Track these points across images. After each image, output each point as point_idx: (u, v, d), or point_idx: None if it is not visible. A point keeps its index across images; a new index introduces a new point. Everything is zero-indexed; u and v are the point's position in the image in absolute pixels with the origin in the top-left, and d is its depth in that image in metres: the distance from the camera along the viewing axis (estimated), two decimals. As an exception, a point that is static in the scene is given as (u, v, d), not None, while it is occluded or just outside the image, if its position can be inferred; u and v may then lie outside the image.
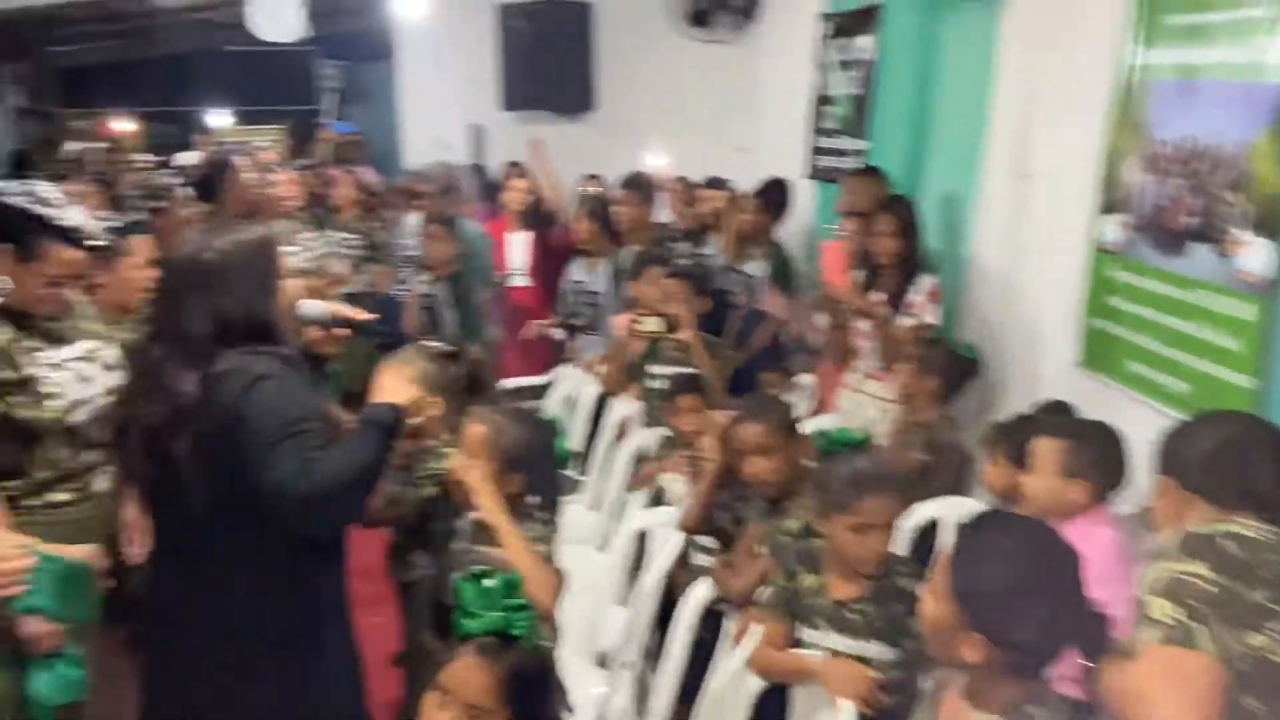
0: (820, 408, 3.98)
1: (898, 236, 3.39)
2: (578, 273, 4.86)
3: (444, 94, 6.93)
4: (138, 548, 2.17)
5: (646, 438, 3.68)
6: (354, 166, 6.32)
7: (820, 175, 5.13)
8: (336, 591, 2.03)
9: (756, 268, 4.63)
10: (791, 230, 5.01)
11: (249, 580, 1.89)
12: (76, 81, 8.60)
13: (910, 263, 3.41)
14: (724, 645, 2.51)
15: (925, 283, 3.40)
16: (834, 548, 2.12)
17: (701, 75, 6.21)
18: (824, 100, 5.08)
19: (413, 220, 5.53)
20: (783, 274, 4.63)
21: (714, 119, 6.11)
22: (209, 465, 1.80)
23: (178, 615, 1.95)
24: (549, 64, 6.35)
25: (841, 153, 4.86)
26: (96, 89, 8.89)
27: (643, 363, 3.79)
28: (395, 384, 1.98)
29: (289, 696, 1.92)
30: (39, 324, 2.34)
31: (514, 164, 6.07)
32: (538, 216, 5.28)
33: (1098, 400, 2.92)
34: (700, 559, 2.81)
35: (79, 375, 2.36)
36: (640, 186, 4.58)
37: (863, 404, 3.53)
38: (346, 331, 2.08)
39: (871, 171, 3.96)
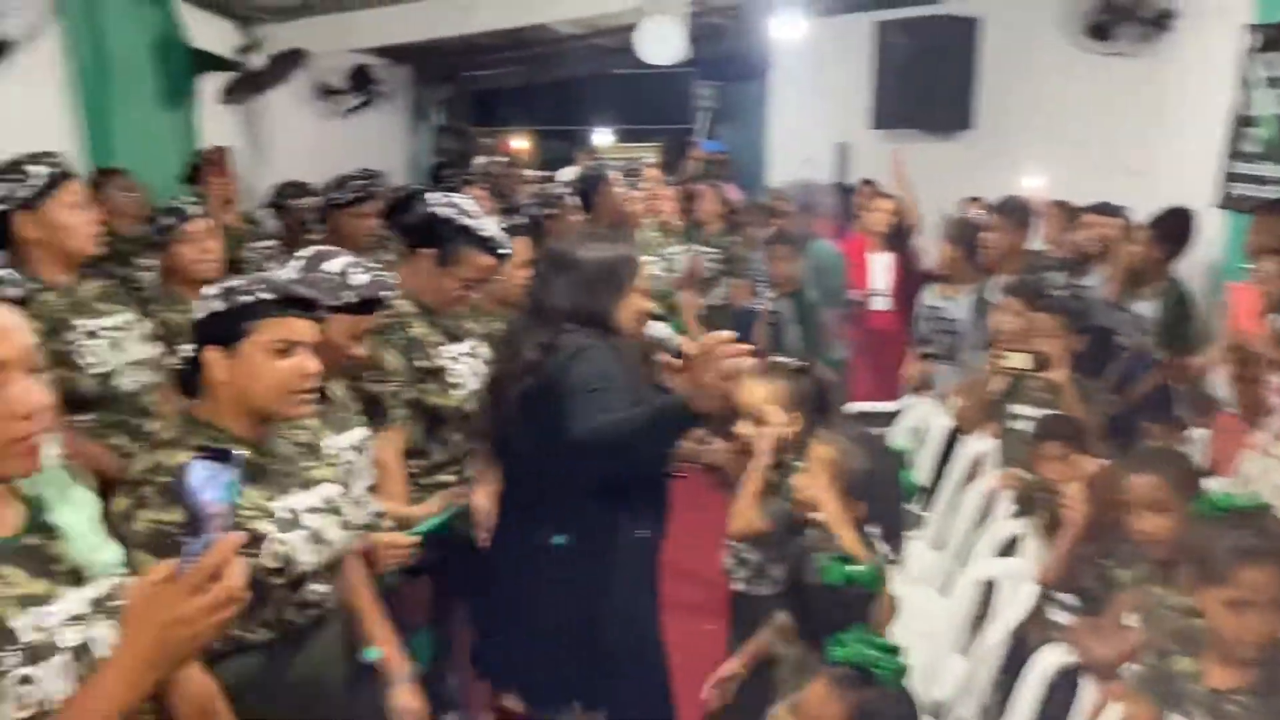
0: (1213, 469, 3.49)
1: (1332, 277, 2.89)
2: (934, 298, 4.65)
3: (813, 112, 6.95)
4: (484, 533, 2.35)
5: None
6: (719, 183, 6.48)
7: (1234, 205, 4.52)
8: (643, 590, 2.27)
9: (1147, 306, 4.17)
10: (1193, 266, 4.46)
11: (560, 547, 2.18)
12: (485, 103, 9.60)
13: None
14: (1075, 715, 2.26)
15: (1366, 335, 2.86)
16: (1211, 627, 1.83)
17: (1095, 91, 5.72)
18: (1245, 121, 4.48)
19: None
20: (1178, 315, 4.13)
21: (1104, 139, 5.60)
22: (533, 418, 2.11)
23: (502, 567, 2.29)
24: (925, 80, 6.16)
25: (1262, 180, 4.26)
26: (501, 110, 9.88)
27: (1004, 400, 3.53)
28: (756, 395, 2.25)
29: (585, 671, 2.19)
30: (440, 321, 2.60)
31: (867, 182, 5.96)
32: (900, 237, 5.13)
33: None
34: (1057, 616, 2.55)
35: (472, 369, 2.61)
36: (1014, 211, 4.29)
37: (1271, 469, 3.04)
38: (678, 363, 2.13)
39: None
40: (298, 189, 4.79)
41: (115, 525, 1.49)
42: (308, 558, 1.68)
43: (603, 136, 10.49)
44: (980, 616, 3.01)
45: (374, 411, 2.36)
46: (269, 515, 1.64)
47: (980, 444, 3.81)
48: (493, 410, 2.31)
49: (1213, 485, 2.92)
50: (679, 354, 2.18)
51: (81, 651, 1.22)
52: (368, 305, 2.07)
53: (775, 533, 2.50)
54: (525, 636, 2.25)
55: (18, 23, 4.04)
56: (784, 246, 4.41)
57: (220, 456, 1.14)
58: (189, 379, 1.70)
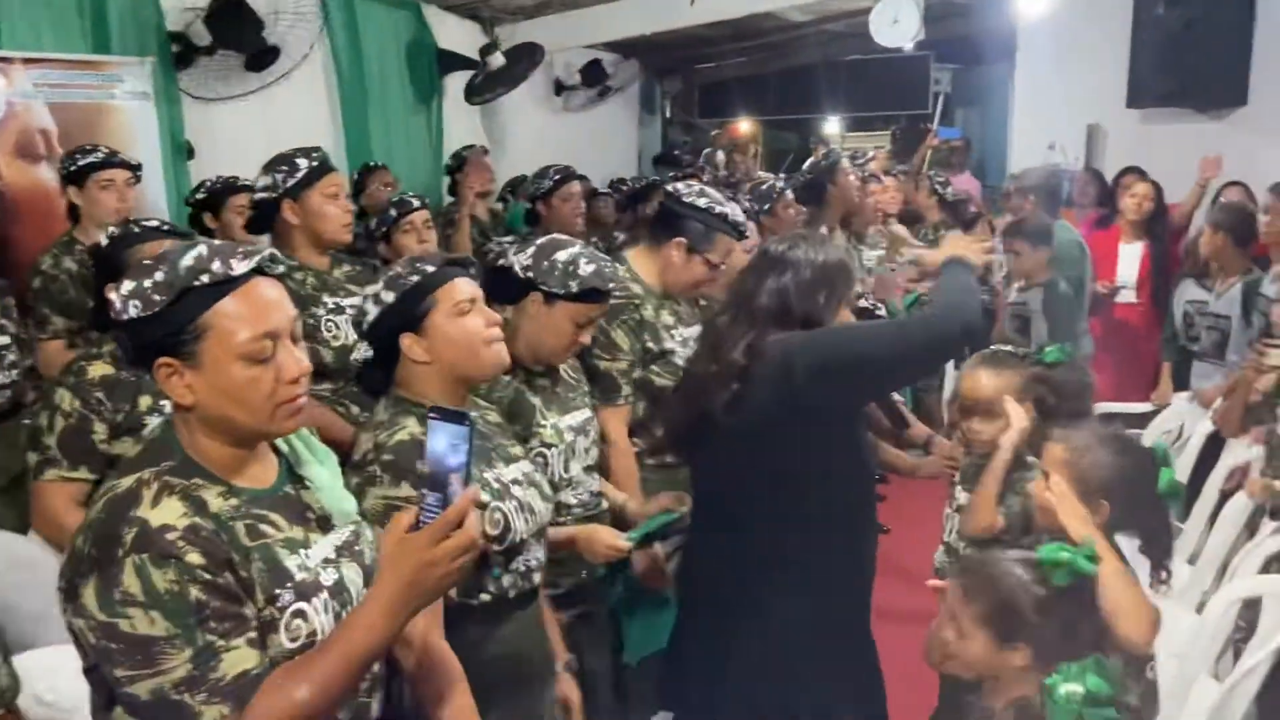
0: None
1: None
2: (1196, 292, 4.24)
3: (1062, 93, 6.48)
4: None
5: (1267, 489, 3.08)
6: (954, 172, 6.20)
7: None
8: (854, 589, 2.08)
9: None
10: None
11: (765, 555, 1.98)
12: (714, 94, 9.62)
13: None
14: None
15: None
16: None
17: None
18: None
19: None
20: None
21: None
22: (745, 426, 1.93)
23: (720, 599, 2.07)
24: (1193, 53, 5.60)
25: None
26: (729, 101, 9.87)
27: (1272, 401, 3.17)
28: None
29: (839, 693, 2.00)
30: (671, 304, 2.66)
31: (1129, 170, 5.51)
32: (1157, 226, 4.73)
33: None
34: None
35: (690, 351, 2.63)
36: (1295, 194, 3.83)
37: None
38: None
39: None
40: (536, 179, 4.97)
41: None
42: (521, 526, 1.75)
43: (832, 125, 10.30)
44: (1240, 640, 2.73)
45: (602, 388, 2.44)
46: (485, 485, 1.71)
47: (1244, 451, 3.45)
48: (686, 412, 2.10)
49: None
50: None
51: (337, 590, 1.36)
52: (594, 295, 2.11)
53: (1010, 532, 2.37)
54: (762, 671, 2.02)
55: (295, 34, 4.42)
56: (1020, 238, 4.14)
57: (455, 418, 1.26)
58: (373, 377, 1.80)
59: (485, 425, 1.84)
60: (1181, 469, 3.90)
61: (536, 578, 1.85)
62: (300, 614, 1.30)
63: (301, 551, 1.33)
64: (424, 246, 3.25)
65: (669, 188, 2.69)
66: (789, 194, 3.97)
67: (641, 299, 2.57)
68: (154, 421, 1.95)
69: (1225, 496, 3.32)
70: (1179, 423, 4.09)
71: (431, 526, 1.24)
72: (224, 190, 3.64)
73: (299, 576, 1.31)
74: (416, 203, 3.37)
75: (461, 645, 1.69)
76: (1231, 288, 3.99)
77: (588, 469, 2.27)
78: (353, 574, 1.40)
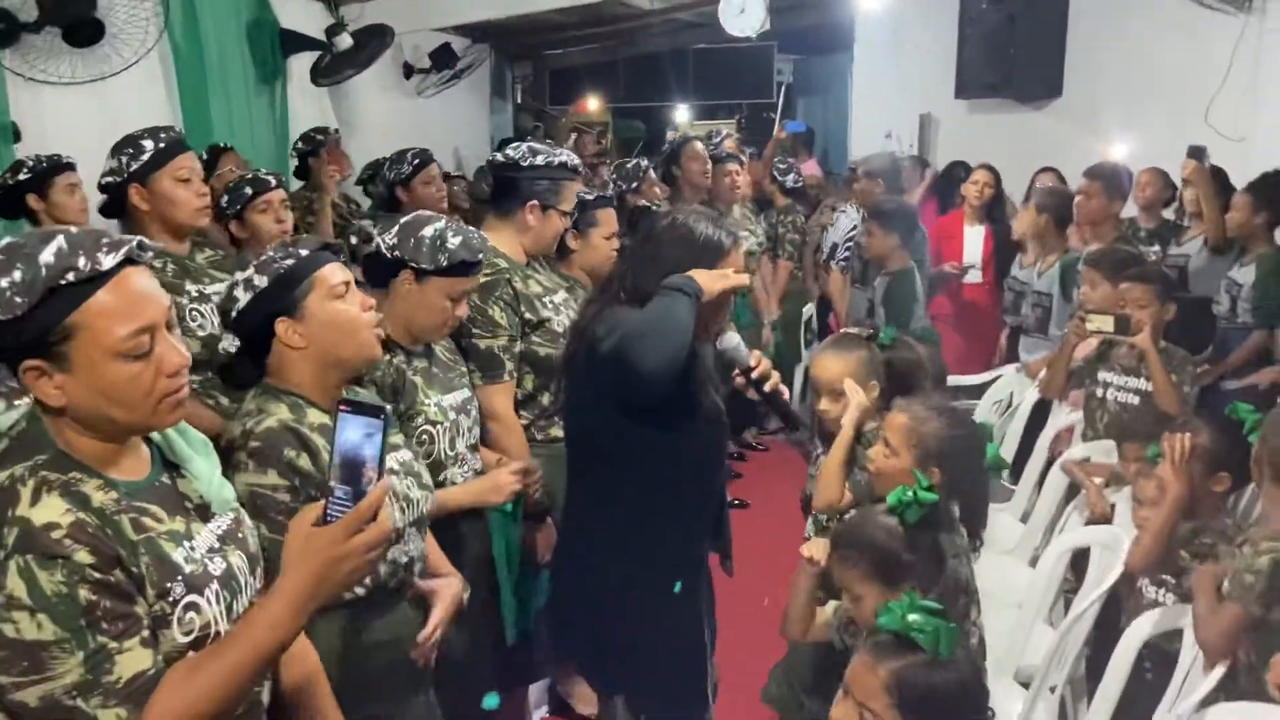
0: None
1: None
2: (1022, 270, 4.57)
3: (897, 84, 6.83)
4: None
5: (1088, 450, 3.37)
6: (799, 160, 6.44)
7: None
8: (674, 546, 2.08)
9: (1245, 274, 4.04)
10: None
11: (588, 512, 2.08)
12: (565, 81, 9.63)
13: None
14: (1172, 688, 2.23)
15: None
16: None
17: (1189, 54, 5.50)
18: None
19: (849, 213, 5.53)
20: (1276, 284, 3.98)
21: (1199, 104, 5.39)
22: (573, 387, 2.03)
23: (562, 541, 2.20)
24: (1013, 47, 5.99)
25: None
26: (579, 87, 9.89)
27: (1090, 368, 3.46)
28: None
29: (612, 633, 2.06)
30: (538, 274, 2.69)
31: (959, 164, 5.87)
32: (994, 210, 5.06)
33: None
34: (1150, 591, 2.51)
35: (569, 319, 2.67)
36: (1105, 177, 4.16)
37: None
38: (742, 381, 2.07)
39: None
40: (393, 163, 4.88)
41: None
42: (397, 516, 1.74)
43: (681, 114, 10.45)
44: (1070, 590, 2.98)
45: (485, 366, 2.45)
46: None
47: (1068, 415, 3.75)
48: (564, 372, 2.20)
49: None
50: (748, 370, 2.06)
51: (226, 579, 1.33)
52: (464, 267, 2.11)
53: (859, 505, 2.50)
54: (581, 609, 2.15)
55: (130, 17, 4.20)
56: (875, 222, 4.34)
57: (369, 410, 1.25)
58: (242, 368, 1.75)
59: None
60: (1012, 434, 4.21)
61: (417, 567, 1.85)
62: (193, 607, 1.27)
63: (185, 543, 1.29)
64: (281, 227, 3.16)
65: (499, 157, 2.68)
66: (654, 173, 4.05)
67: (510, 272, 2.58)
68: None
69: (1052, 461, 3.60)
70: (1009, 391, 4.40)
71: (345, 520, 1.23)
72: (51, 169, 3.42)
73: (188, 569, 1.27)
74: (273, 181, 3.26)
75: (340, 635, 1.70)
76: (1051, 267, 4.31)
77: (472, 447, 2.29)
78: (239, 561, 1.37)
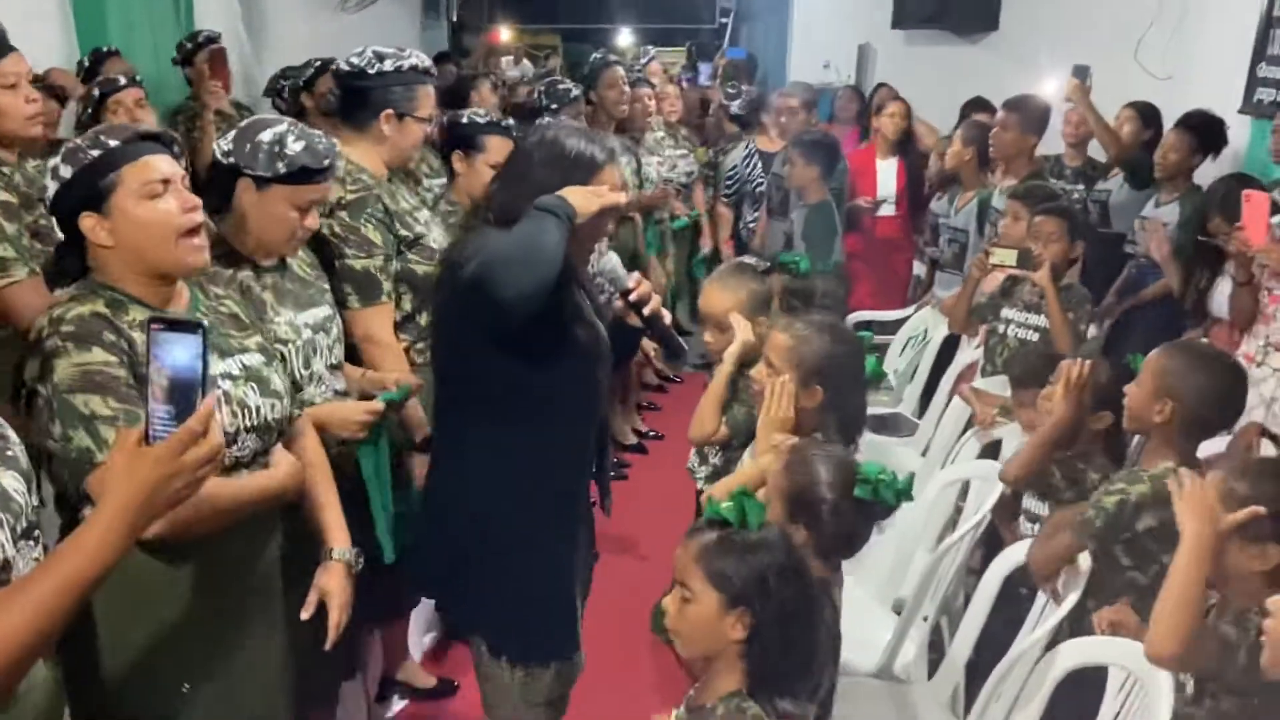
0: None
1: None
2: (940, 205, 4.54)
3: (835, 14, 6.73)
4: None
5: (986, 385, 3.38)
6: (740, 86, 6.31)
7: (1259, 111, 4.34)
8: (544, 480, 1.95)
9: (1167, 211, 4.04)
10: (1220, 173, 4.31)
11: (455, 449, 1.96)
12: (509, 3, 9.36)
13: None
14: (1029, 620, 2.26)
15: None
16: None
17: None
18: (1274, 22, 4.26)
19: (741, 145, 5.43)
20: (1193, 222, 3.99)
21: (1129, 42, 5.37)
22: (437, 320, 1.94)
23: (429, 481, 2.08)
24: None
25: (1288, 84, 4.07)
26: (523, 8, 9.64)
27: (996, 304, 3.46)
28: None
29: (478, 577, 1.95)
30: (407, 190, 2.61)
31: (884, 85, 5.78)
32: (908, 143, 5.00)
33: None
34: (1026, 527, 2.53)
35: (441, 237, 2.60)
36: (1024, 110, 4.12)
37: (1261, 380, 2.97)
38: (626, 311, 2.00)
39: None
40: (295, 73, 4.65)
41: (31, 392, 1.51)
42: (226, 419, 1.64)
43: (629, 39, 10.26)
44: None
45: (361, 288, 2.34)
46: None
47: (973, 351, 3.76)
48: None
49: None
50: (626, 293, 1.98)
51: (3, 502, 1.23)
52: (306, 174, 1.98)
53: (736, 438, 2.49)
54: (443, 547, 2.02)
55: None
56: (797, 152, 4.27)
57: (185, 327, 1.19)
58: (65, 262, 1.64)
59: (210, 315, 1.74)
60: (922, 369, 4.23)
61: (245, 472, 1.72)
62: None
63: None
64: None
65: (341, 68, 2.51)
66: (581, 102, 3.93)
67: (377, 188, 2.45)
68: None
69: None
70: (924, 328, 4.40)
71: (175, 437, 1.17)
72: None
73: None
74: (122, 79, 3.08)
75: (182, 552, 1.63)
76: (969, 203, 4.29)
77: (332, 367, 2.19)
78: (13, 482, 1.27)
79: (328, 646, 1.83)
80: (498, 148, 2.85)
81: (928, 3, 6.08)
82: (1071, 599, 2.04)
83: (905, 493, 1.84)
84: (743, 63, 7.80)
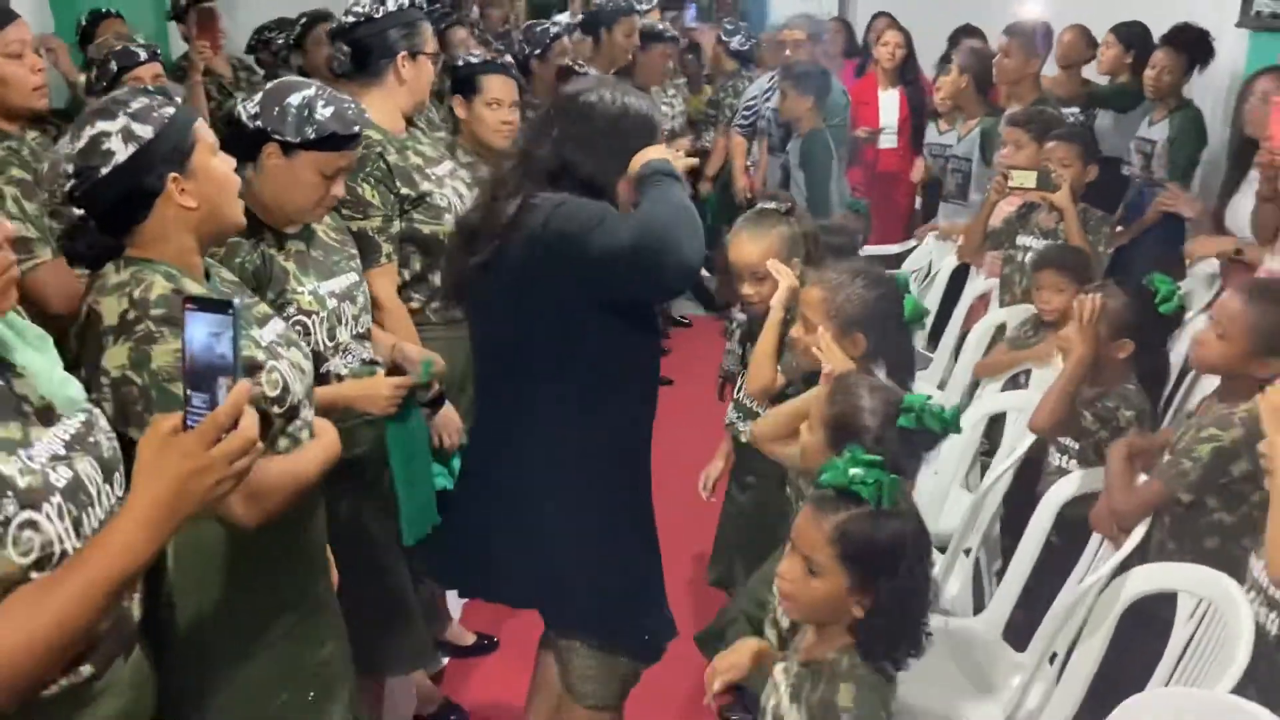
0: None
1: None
2: (940, 135, 4.49)
3: (813, -57, 6.58)
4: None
5: (1004, 315, 3.38)
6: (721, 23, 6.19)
7: (1257, 24, 4.30)
8: (629, 464, 1.94)
9: (1159, 130, 4.03)
10: (1215, 88, 4.29)
11: (530, 426, 1.87)
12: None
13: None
14: (1086, 557, 2.27)
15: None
16: None
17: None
18: (1271, -70, 4.21)
19: (757, 80, 5.32)
20: (1190, 140, 3.99)
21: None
22: (500, 288, 1.82)
23: (477, 460, 2.02)
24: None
25: (1288, -5, 4.03)
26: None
27: (1011, 231, 3.44)
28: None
29: (567, 564, 1.88)
30: (417, 145, 2.52)
31: (882, 14, 5.68)
32: (909, 72, 4.93)
33: None
34: (1055, 458, 2.54)
35: (457, 191, 2.53)
36: (1023, 35, 4.06)
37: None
38: None
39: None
40: (282, 24, 4.52)
41: (119, 381, 1.44)
42: (298, 387, 1.62)
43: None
44: (986, 454, 3.02)
45: (359, 251, 2.24)
46: (255, 344, 1.56)
47: (984, 282, 3.75)
48: (459, 264, 1.94)
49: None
50: None
51: (72, 491, 1.19)
52: (337, 140, 1.91)
53: (792, 386, 2.45)
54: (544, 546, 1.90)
55: None
56: (789, 83, 4.20)
57: (216, 307, 1.12)
58: (94, 241, 1.53)
59: (224, 284, 1.68)
60: (930, 302, 4.21)
61: (307, 438, 1.70)
62: (30, 524, 1.13)
63: (21, 453, 1.15)
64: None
65: (346, 21, 2.45)
66: (565, 40, 3.82)
67: (382, 144, 2.38)
68: None
69: (968, 328, 3.61)
70: (928, 259, 4.38)
71: (201, 428, 1.10)
72: None
73: (23, 482, 1.13)
74: (143, 54, 2.97)
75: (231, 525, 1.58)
76: (971, 131, 4.25)
77: (358, 337, 2.12)
78: (90, 469, 1.23)
79: None
80: (490, 85, 2.81)
81: (913, -71, 5.94)
82: (1136, 536, 2.04)
83: (952, 423, 1.83)
84: (729, -1, 7.68)
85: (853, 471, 1.47)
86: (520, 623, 2.96)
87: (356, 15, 2.41)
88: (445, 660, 2.93)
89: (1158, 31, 4.27)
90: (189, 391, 1.12)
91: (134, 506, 1.12)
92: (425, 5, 2.52)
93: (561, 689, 2.01)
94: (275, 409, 1.57)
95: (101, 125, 1.47)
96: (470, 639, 3.01)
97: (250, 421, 1.13)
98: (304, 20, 3.84)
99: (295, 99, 1.89)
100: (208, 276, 1.61)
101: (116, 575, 1.12)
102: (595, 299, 1.77)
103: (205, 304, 1.12)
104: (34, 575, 1.13)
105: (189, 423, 1.12)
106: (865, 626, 1.46)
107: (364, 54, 2.45)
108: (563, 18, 8.63)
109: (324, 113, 1.88)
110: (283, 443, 1.62)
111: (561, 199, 1.77)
